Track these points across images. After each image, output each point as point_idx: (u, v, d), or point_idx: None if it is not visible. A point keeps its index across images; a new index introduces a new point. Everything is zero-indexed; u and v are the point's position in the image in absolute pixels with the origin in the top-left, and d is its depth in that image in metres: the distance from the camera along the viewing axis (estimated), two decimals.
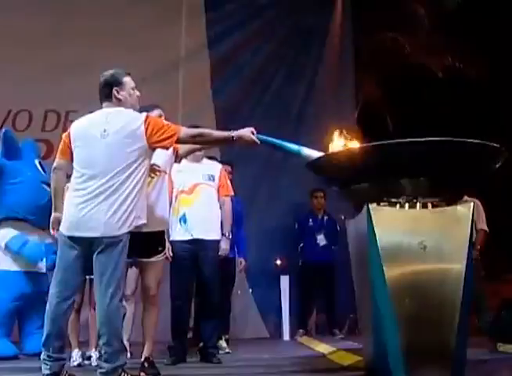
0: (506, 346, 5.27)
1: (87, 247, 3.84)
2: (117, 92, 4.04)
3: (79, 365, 5.10)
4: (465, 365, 3.77)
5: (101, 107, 4.08)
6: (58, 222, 4.09)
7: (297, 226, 7.96)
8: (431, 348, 3.66)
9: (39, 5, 8.06)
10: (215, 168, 5.58)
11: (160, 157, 4.43)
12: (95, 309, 4.85)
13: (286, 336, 7.65)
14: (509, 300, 6.27)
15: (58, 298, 3.87)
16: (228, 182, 5.74)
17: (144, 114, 4.03)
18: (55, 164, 4.13)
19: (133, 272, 4.88)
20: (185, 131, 4.04)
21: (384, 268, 3.67)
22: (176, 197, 5.31)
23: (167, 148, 4.11)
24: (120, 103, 4.04)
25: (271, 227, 7.95)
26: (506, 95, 10.15)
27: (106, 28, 8.05)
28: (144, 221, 3.96)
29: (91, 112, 7.47)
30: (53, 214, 4.18)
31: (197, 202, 5.34)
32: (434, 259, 3.72)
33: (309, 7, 8.81)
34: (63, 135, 4.11)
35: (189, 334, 5.83)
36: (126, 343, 5.66)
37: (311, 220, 7.94)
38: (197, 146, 4.60)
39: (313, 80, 8.70)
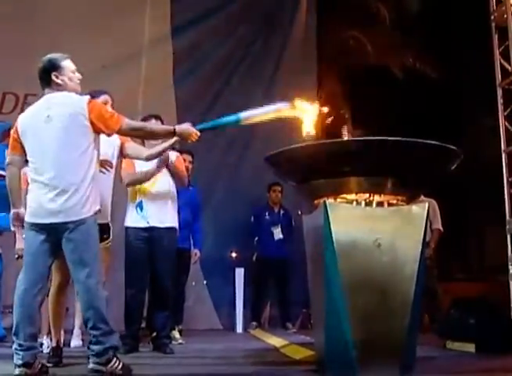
0: (455, 344, 5.37)
1: (52, 234, 3.83)
2: (56, 77, 3.97)
3: None
4: (414, 361, 3.86)
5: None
6: (17, 217, 4.07)
7: (253, 219, 7.97)
8: (382, 344, 3.72)
9: None
10: (171, 156, 5.53)
11: (105, 151, 4.47)
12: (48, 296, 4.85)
13: (239, 328, 7.67)
14: (458, 299, 6.40)
15: (25, 285, 3.83)
16: (184, 167, 5.70)
17: (87, 97, 3.99)
18: (7, 160, 4.07)
19: None
20: (127, 122, 3.99)
21: (339, 264, 3.72)
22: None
23: (108, 135, 4.01)
24: (60, 87, 3.98)
25: (227, 219, 7.93)
26: (465, 96, 10.33)
27: (67, 12, 7.90)
28: (99, 206, 3.95)
29: None
30: (12, 210, 4.13)
31: (154, 190, 5.31)
32: (388, 257, 3.78)
33: (275, 1, 8.81)
34: (12, 131, 4.06)
35: (143, 324, 5.81)
36: (78, 331, 5.68)
37: (267, 214, 7.96)
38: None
39: (275, 74, 8.71)
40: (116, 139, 4.63)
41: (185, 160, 6.08)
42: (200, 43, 8.32)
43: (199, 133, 4.14)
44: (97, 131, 3.92)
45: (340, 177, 3.90)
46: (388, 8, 10.71)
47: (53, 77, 3.96)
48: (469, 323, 5.28)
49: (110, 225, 4.72)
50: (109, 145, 4.59)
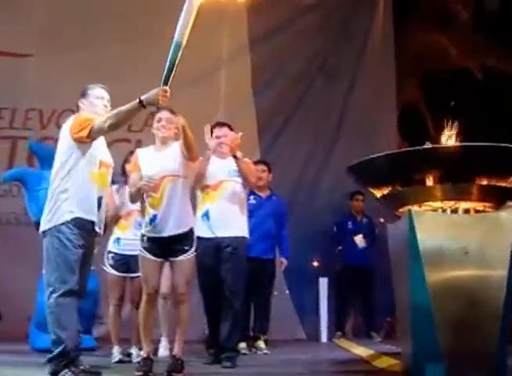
0: None
1: None
2: (81, 102, 4.32)
3: (120, 361, 5.16)
4: (506, 371, 3.76)
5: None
6: None
7: (335, 229, 7.95)
8: (471, 354, 3.65)
9: (77, 6, 8.12)
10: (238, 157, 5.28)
11: (173, 160, 4.53)
12: (136, 307, 4.98)
13: (324, 338, 7.63)
14: None
15: None
16: (248, 165, 5.37)
17: (74, 115, 4.23)
18: None
19: (169, 271, 4.89)
20: (98, 119, 4.08)
21: (426, 272, 3.68)
22: (203, 191, 5.20)
23: (83, 139, 4.08)
24: (81, 110, 4.29)
25: (309, 229, 7.90)
26: None
27: (147, 28, 8.05)
28: (78, 215, 4.04)
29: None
30: None
31: (221, 199, 5.14)
32: (477, 265, 3.72)
33: (351, 9, 8.77)
34: None
35: None
36: (166, 341, 5.75)
37: (350, 223, 7.93)
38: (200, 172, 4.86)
39: (354, 82, 8.65)
40: (176, 150, 4.62)
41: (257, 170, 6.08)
42: (277, 54, 8.36)
43: (166, 88, 4.01)
44: (80, 142, 4.09)
45: (424, 185, 3.86)
46: (468, 9, 10.52)
47: (79, 102, 4.34)
48: None
49: (194, 235, 4.62)
50: (175, 161, 4.56)
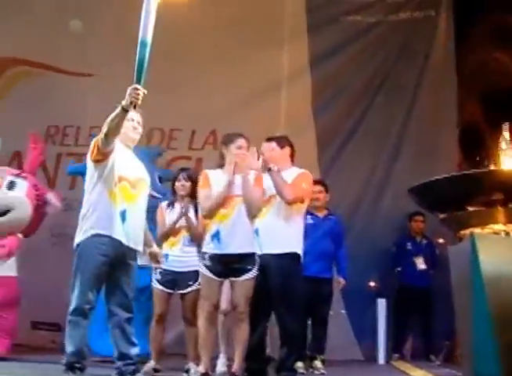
0: None
1: None
2: None
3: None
4: None
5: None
6: None
7: (395, 249, 7.87)
8: None
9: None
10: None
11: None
12: (190, 324, 5.02)
13: (381, 359, 7.53)
14: None
15: None
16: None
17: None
18: None
19: (228, 288, 4.91)
20: (99, 136, 4.18)
21: (487, 296, 3.62)
22: None
23: (96, 158, 4.23)
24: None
25: (368, 249, 7.83)
26: None
27: (208, 48, 8.18)
28: (97, 231, 4.16)
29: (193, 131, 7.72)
30: None
31: (268, 215, 4.92)
32: None
33: (412, 26, 8.73)
34: None
35: None
36: (224, 357, 5.74)
37: (409, 244, 7.84)
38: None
39: (414, 100, 8.57)
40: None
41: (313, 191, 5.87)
42: (337, 73, 8.37)
43: (137, 86, 3.99)
44: (96, 161, 4.24)
45: (487, 207, 3.81)
46: None
47: None
48: None
49: (256, 257, 4.66)
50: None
